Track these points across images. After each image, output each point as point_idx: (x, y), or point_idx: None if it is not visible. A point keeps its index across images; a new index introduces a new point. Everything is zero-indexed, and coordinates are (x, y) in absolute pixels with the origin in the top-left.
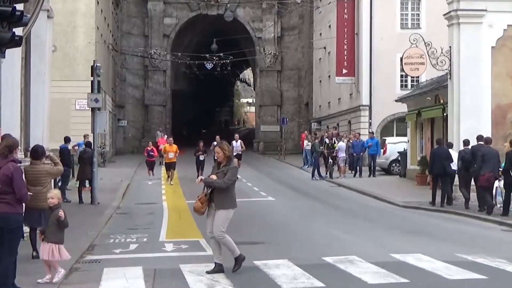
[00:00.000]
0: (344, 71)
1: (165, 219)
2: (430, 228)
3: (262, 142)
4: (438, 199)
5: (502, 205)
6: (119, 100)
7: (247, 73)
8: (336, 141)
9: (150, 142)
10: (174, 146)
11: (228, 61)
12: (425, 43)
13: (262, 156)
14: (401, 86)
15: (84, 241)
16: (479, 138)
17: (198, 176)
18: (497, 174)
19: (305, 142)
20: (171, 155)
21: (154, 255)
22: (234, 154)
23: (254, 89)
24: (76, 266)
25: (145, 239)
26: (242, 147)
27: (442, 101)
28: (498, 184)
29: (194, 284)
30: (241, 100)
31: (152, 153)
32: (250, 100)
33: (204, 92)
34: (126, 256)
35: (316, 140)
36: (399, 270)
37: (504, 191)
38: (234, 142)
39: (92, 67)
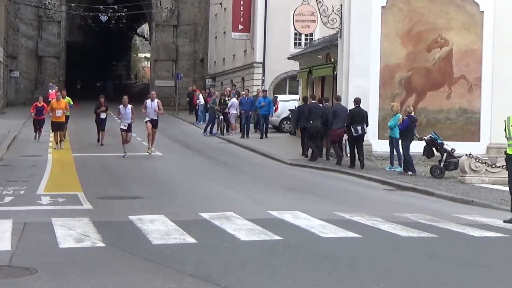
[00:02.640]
0: (240, 26)
1: (48, 171)
2: (314, 186)
3: None
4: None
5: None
6: (11, 50)
7: (145, 27)
8: (229, 98)
9: (41, 97)
10: (63, 102)
11: (123, 14)
12: (316, 0)
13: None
14: (295, 44)
15: None
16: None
17: (98, 140)
18: (345, 129)
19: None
20: (58, 113)
21: (28, 208)
22: (148, 119)
23: (150, 43)
24: None
25: (22, 192)
26: (159, 110)
27: (332, 60)
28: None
29: (62, 238)
30: (138, 54)
31: (43, 110)
32: (148, 55)
33: (100, 45)
34: None
35: (214, 96)
36: (274, 227)
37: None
38: (148, 101)
39: None
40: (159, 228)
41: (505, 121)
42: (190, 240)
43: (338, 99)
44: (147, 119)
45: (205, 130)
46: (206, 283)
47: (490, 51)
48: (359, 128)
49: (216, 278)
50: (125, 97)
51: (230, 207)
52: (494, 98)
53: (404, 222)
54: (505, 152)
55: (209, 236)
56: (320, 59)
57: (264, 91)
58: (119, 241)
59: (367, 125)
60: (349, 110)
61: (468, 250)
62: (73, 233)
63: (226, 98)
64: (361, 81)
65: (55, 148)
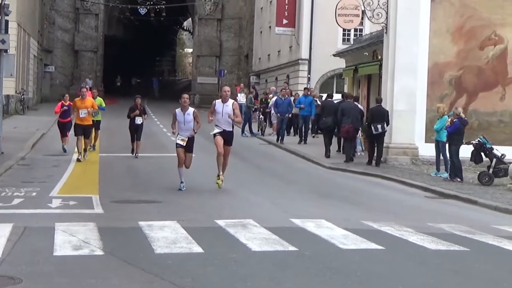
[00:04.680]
0: (285, 21)
1: (68, 172)
2: (349, 192)
3: (198, 95)
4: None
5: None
6: (46, 44)
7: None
8: (270, 96)
9: (67, 95)
10: (89, 100)
11: (163, 7)
12: None
13: (196, 109)
14: (343, 40)
15: None
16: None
17: (133, 151)
18: (357, 126)
19: (240, 95)
20: (82, 113)
21: (35, 212)
22: (217, 131)
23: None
24: None
25: (34, 194)
26: (236, 116)
27: (379, 57)
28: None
29: (60, 245)
30: (185, 50)
31: (70, 110)
32: None
33: (141, 40)
34: (2, 212)
35: (250, 95)
36: (292, 237)
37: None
38: (218, 102)
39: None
40: (167, 236)
41: None
42: (197, 249)
43: (348, 97)
44: (216, 130)
45: (242, 131)
46: None
47: None
48: (379, 126)
49: None
50: (186, 95)
51: (251, 214)
52: None
53: (436, 233)
54: None
55: (219, 245)
56: (366, 57)
57: (305, 89)
58: (120, 249)
59: (387, 124)
60: (370, 108)
61: (499, 266)
62: (73, 239)
63: (268, 97)
64: (407, 81)
65: (78, 159)
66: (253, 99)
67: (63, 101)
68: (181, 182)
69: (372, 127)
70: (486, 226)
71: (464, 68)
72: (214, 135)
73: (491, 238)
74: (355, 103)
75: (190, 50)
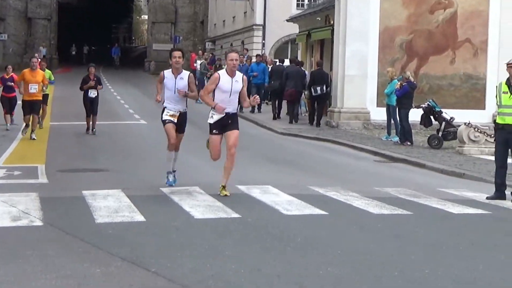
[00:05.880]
0: None
1: (16, 142)
2: (300, 158)
3: (153, 62)
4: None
5: (305, 115)
6: None
7: None
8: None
9: (10, 67)
10: (40, 74)
11: None
12: None
13: (152, 76)
14: (297, 5)
15: None
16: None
17: (88, 128)
18: (299, 89)
19: (198, 62)
20: (32, 88)
21: None
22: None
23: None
24: None
25: None
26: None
27: (332, 22)
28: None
29: None
30: (142, 16)
31: (12, 84)
32: None
33: (97, 7)
34: None
35: (204, 61)
36: (236, 203)
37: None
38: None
39: None
40: (109, 205)
41: (496, 87)
42: (139, 218)
43: (292, 61)
44: (215, 117)
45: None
46: (135, 267)
47: (498, 12)
48: (318, 88)
49: (149, 262)
50: (178, 53)
51: (198, 181)
52: (501, 63)
53: (381, 197)
54: (494, 121)
55: (161, 213)
56: (319, 22)
57: (257, 56)
58: (60, 220)
59: (327, 87)
60: (311, 71)
61: (440, 229)
62: (13, 210)
63: (223, 63)
64: (359, 45)
65: (31, 138)
66: (207, 65)
67: (5, 75)
68: (170, 172)
69: (312, 89)
70: (432, 189)
71: (414, 32)
72: (211, 128)
73: (435, 201)
74: (300, 67)
75: (147, 17)
